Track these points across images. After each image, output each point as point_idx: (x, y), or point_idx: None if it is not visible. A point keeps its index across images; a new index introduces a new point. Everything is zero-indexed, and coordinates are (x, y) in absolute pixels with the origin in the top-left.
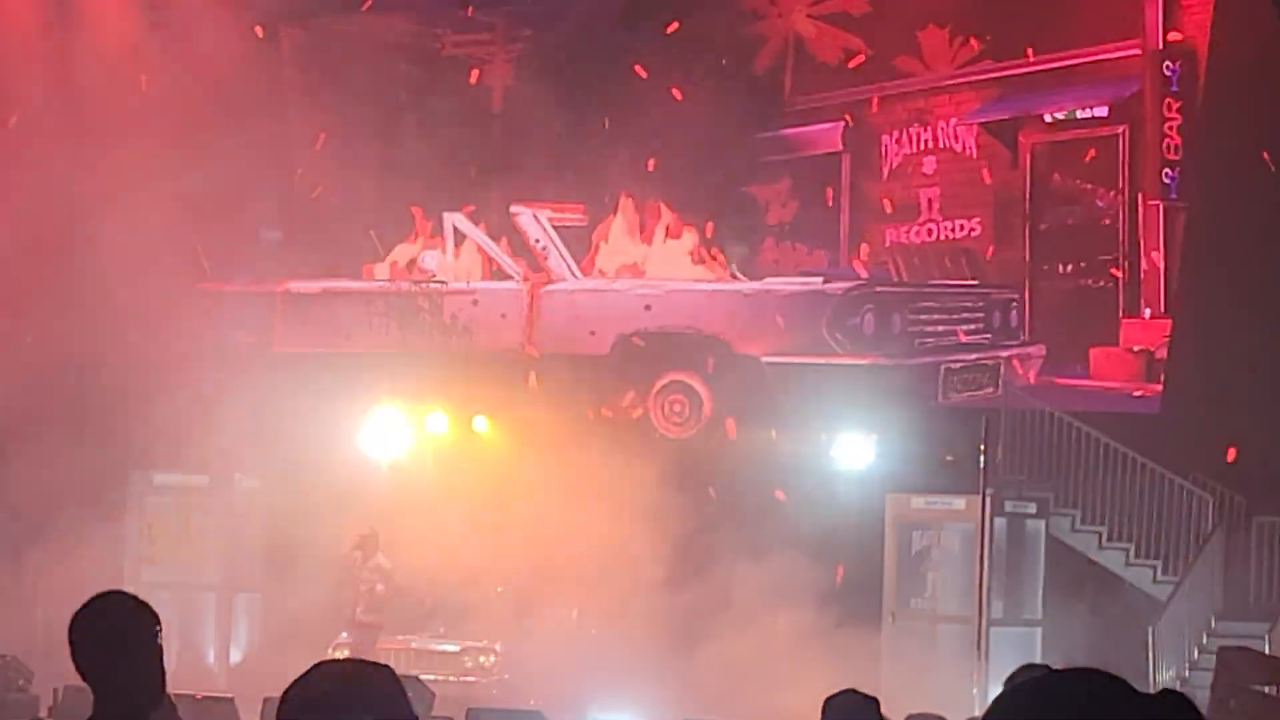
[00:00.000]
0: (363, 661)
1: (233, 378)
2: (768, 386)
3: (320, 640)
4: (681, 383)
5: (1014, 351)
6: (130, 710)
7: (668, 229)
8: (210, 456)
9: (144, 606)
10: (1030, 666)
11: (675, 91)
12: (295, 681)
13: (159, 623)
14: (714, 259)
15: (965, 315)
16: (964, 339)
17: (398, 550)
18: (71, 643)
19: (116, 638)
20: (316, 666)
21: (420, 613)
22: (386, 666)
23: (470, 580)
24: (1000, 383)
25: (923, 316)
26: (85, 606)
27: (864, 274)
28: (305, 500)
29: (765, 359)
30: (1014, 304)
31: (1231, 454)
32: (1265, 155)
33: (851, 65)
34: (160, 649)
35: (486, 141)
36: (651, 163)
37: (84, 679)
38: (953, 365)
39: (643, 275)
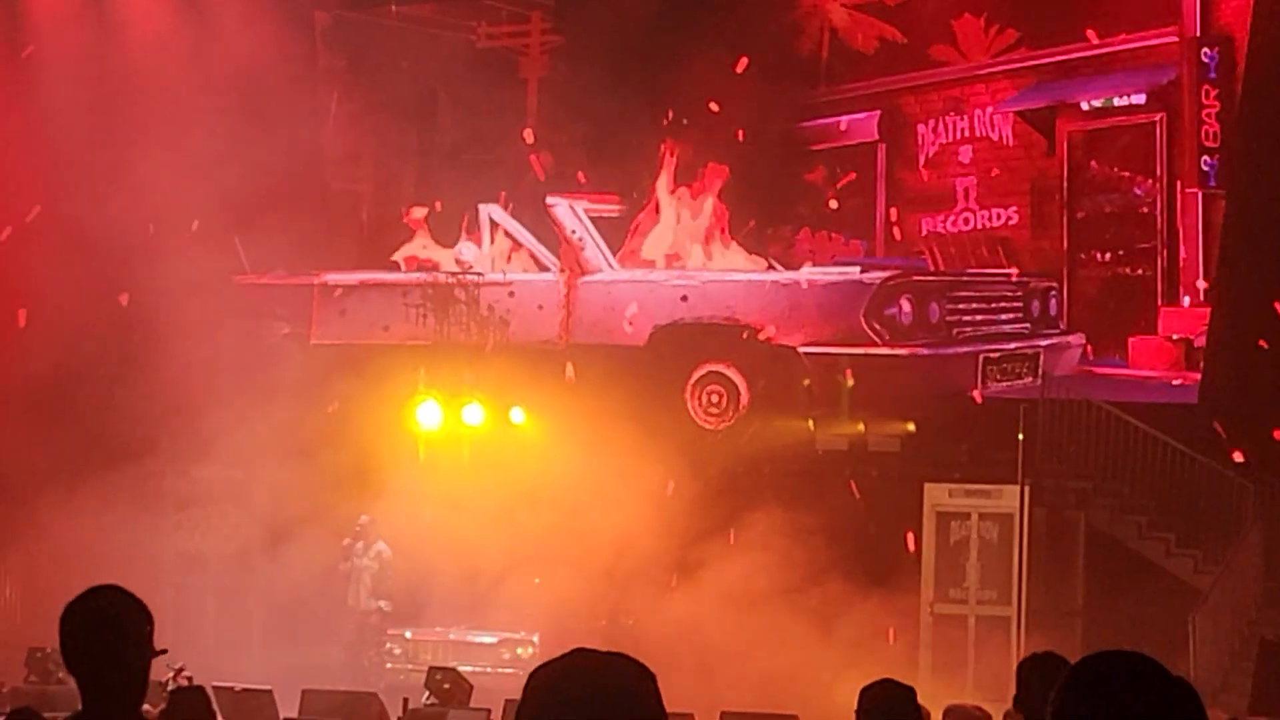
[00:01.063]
0: (617, 655)
1: (270, 370)
2: (805, 377)
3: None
4: (718, 374)
5: (1053, 340)
6: (116, 710)
7: (708, 190)
8: (247, 449)
9: (134, 603)
10: (1035, 658)
11: (712, 81)
12: (545, 668)
13: (150, 622)
14: (742, 246)
15: (1004, 304)
16: (1004, 328)
17: (434, 542)
18: (60, 635)
19: (103, 634)
20: (571, 654)
21: (457, 604)
22: (636, 662)
23: (507, 572)
24: (1039, 372)
25: (961, 306)
26: (76, 600)
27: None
28: (342, 492)
29: (802, 349)
30: (1053, 292)
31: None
32: None
33: (886, 54)
34: (149, 649)
35: (521, 133)
36: (690, 150)
37: (71, 673)
38: (991, 355)
39: (681, 259)
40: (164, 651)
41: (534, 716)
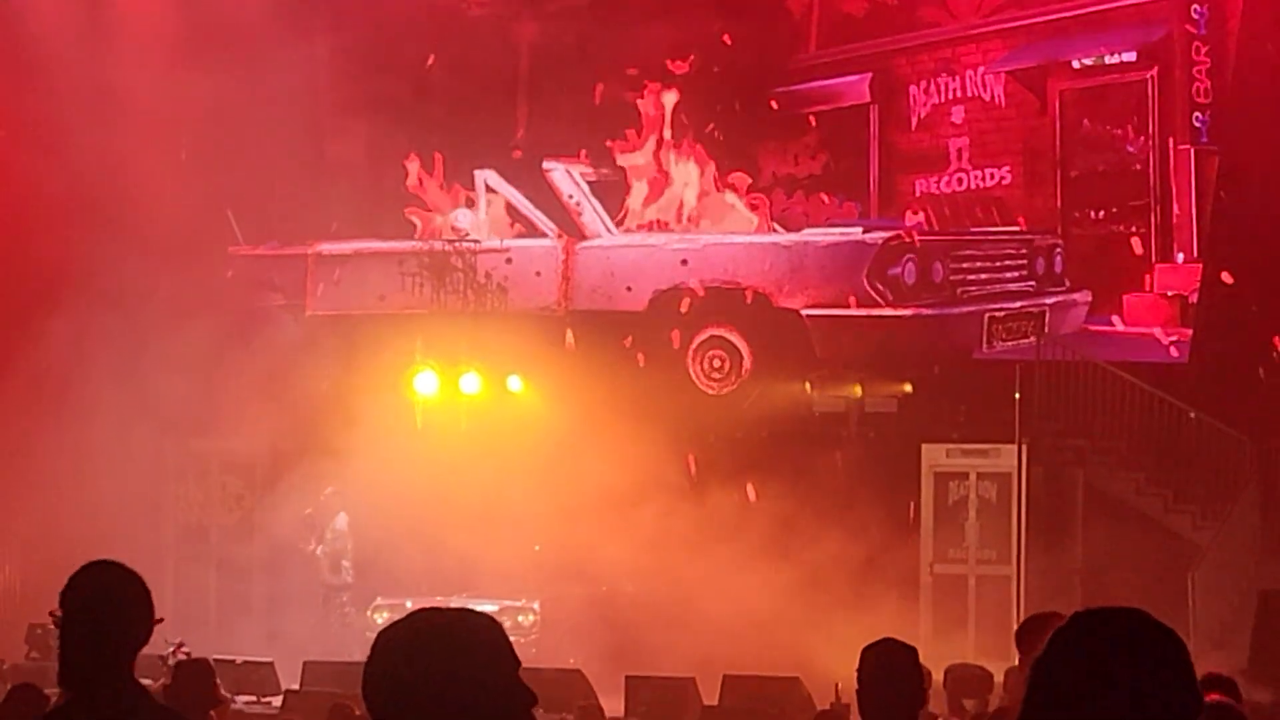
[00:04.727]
0: (464, 611)
1: (266, 342)
2: (808, 340)
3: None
4: (720, 337)
5: (1059, 298)
6: (102, 686)
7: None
8: (245, 421)
9: (126, 579)
10: (1037, 617)
11: (703, 43)
12: (391, 628)
13: (144, 597)
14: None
15: (1008, 263)
16: (1009, 287)
17: (432, 511)
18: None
19: (90, 610)
20: (416, 614)
21: (457, 572)
22: (485, 616)
23: (507, 539)
24: (1045, 331)
25: (965, 265)
26: (72, 576)
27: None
28: (341, 464)
29: (805, 312)
30: (1057, 250)
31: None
32: None
33: (877, 16)
34: (138, 625)
35: (515, 99)
36: (682, 114)
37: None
38: (996, 314)
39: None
40: (159, 620)
41: (378, 676)
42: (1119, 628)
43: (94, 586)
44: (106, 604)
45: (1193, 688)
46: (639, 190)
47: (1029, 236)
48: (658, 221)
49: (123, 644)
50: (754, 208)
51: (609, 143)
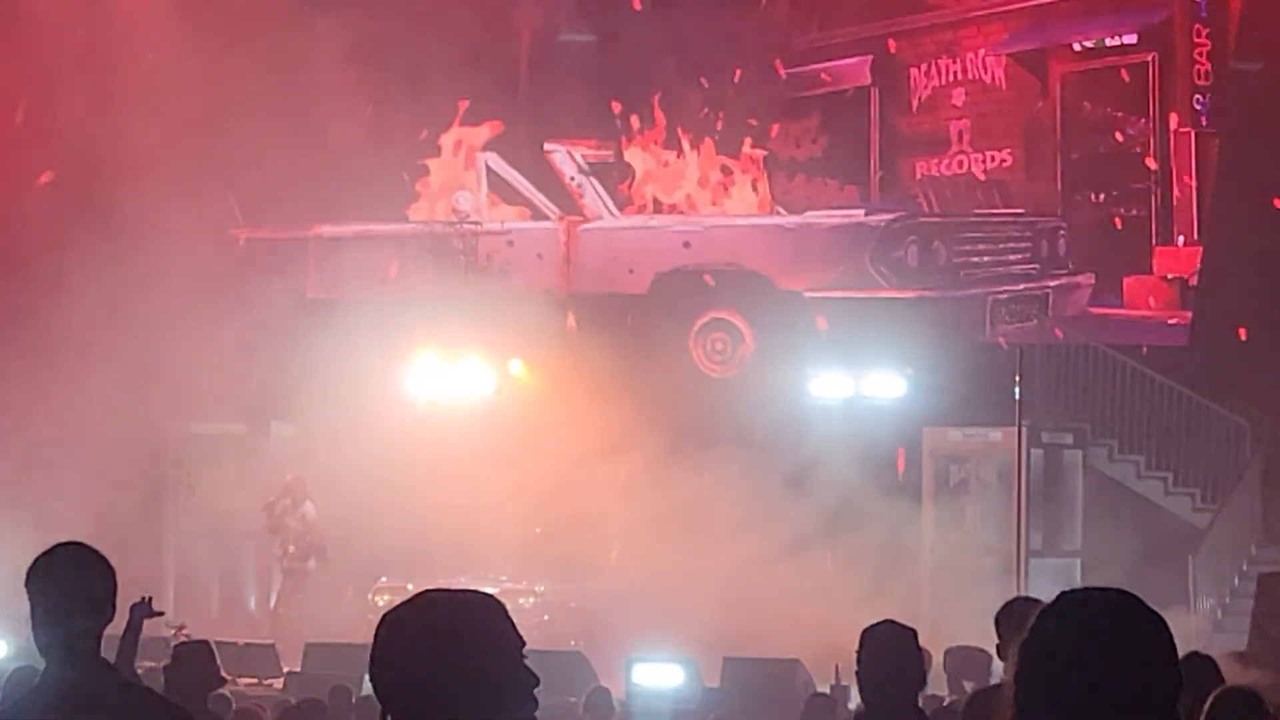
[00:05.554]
0: (470, 593)
1: (267, 325)
2: (810, 322)
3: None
4: (723, 320)
5: (1062, 281)
6: (57, 668)
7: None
8: (247, 405)
9: (88, 560)
10: (1018, 601)
11: (705, 28)
12: (393, 612)
13: (109, 577)
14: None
15: (1011, 245)
16: (1012, 269)
17: (433, 494)
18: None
19: (50, 591)
20: (419, 596)
21: (458, 555)
22: (490, 596)
23: (508, 522)
24: (1049, 313)
25: (968, 248)
26: (36, 558)
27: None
28: (342, 446)
29: (808, 294)
30: (1061, 232)
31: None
32: None
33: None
34: (100, 606)
35: (517, 80)
36: (684, 94)
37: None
38: (1000, 296)
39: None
40: (160, 613)
41: (384, 659)
42: (1101, 608)
43: (57, 567)
44: (70, 584)
45: (1174, 667)
46: (640, 163)
47: (1032, 219)
48: (655, 200)
49: (87, 622)
50: (752, 162)
51: (612, 105)
